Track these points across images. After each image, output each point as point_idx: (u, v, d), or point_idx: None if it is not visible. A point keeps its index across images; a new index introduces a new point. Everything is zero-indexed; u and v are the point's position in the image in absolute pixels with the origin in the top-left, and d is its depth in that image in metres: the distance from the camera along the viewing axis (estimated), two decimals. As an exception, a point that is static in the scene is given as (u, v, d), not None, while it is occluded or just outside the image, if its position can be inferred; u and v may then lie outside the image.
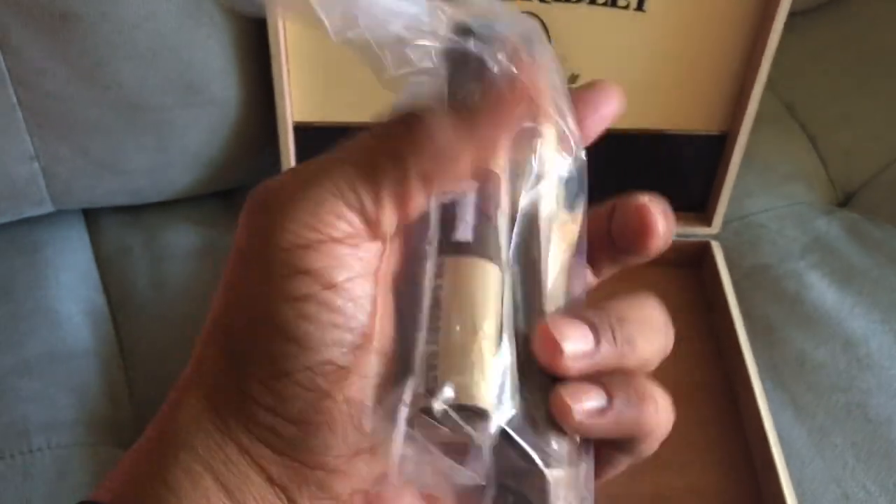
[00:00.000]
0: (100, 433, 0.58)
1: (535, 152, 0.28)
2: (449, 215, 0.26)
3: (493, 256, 0.27)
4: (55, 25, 0.54)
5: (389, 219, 0.25)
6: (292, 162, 0.62)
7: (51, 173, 0.63)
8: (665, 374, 0.65)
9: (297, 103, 0.61)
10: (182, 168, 0.66)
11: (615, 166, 0.65)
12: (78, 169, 0.63)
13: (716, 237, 0.67)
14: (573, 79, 0.60)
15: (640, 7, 0.57)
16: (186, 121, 0.62)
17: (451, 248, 0.26)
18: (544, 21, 0.58)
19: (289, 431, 0.24)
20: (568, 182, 0.30)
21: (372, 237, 0.25)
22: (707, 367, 0.62)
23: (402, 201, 0.24)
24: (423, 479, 0.25)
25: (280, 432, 0.24)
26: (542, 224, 0.29)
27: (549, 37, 0.58)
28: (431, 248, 0.26)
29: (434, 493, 0.26)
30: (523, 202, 0.28)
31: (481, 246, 0.26)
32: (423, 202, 0.25)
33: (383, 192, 0.24)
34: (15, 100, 0.58)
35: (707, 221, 0.67)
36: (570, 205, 0.30)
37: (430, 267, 0.26)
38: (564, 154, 0.30)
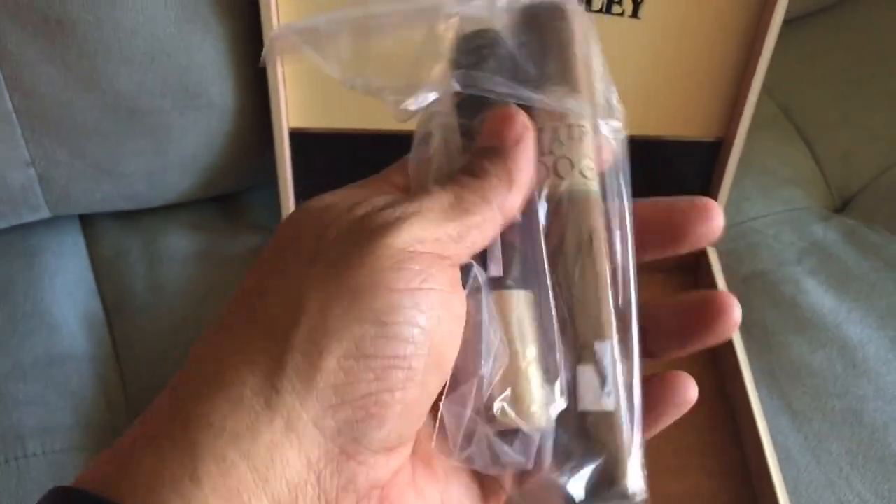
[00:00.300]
0: (95, 438, 0.58)
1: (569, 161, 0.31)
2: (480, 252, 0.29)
3: (523, 282, 0.29)
4: (51, 30, 0.54)
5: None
6: (288, 168, 0.62)
7: (47, 178, 0.63)
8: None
9: (292, 109, 0.61)
10: (178, 173, 0.66)
11: (611, 172, 0.66)
12: (74, 174, 0.63)
13: (712, 243, 0.67)
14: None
15: (635, 14, 0.57)
16: (183, 126, 0.62)
17: (489, 283, 0.29)
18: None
19: (345, 414, 0.25)
20: (608, 174, 0.32)
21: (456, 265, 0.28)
22: (703, 373, 0.62)
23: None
24: (478, 460, 0.28)
25: (337, 414, 0.25)
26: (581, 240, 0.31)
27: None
28: (473, 286, 0.29)
29: (485, 471, 0.29)
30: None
31: (510, 277, 0.29)
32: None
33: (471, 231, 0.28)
34: (11, 105, 0.58)
35: (703, 227, 0.67)
36: (615, 193, 0.32)
37: (475, 303, 0.28)
38: (603, 139, 0.32)
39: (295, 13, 0.56)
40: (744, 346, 0.60)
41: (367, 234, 0.26)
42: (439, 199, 0.27)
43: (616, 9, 0.57)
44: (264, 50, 0.30)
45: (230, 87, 0.61)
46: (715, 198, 0.65)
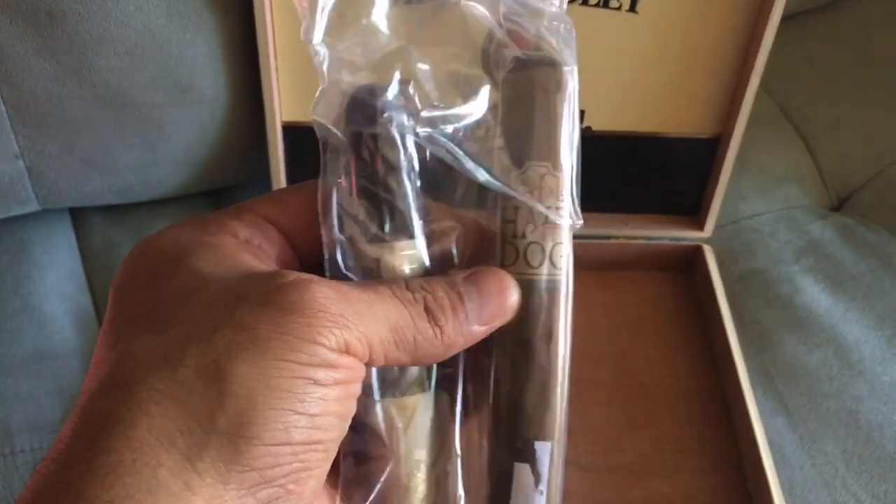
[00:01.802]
0: (84, 435, 0.58)
1: None
2: None
3: (417, 387, 0.30)
4: (41, 22, 0.54)
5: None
6: (281, 162, 0.62)
7: (37, 172, 0.62)
8: (656, 378, 0.65)
9: (285, 103, 0.60)
10: (170, 167, 0.65)
11: (607, 169, 0.65)
12: (64, 167, 0.62)
13: (708, 241, 0.67)
14: (565, 80, 0.60)
15: (632, 8, 0.56)
16: (174, 119, 0.61)
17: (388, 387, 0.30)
18: (536, 22, 0.57)
19: (266, 493, 0.25)
20: None
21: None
22: (698, 372, 0.62)
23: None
24: None
25: (258, 493, 0.25)
26: None
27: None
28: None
29: None
30: None
31: (403, 382, 0.30)
32: None
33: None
34: (0, 97, 0.57)
35: (700, 226, 0.67)
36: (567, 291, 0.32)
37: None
38: None
39: (288, 5, 0.55)
40: (739, 345, 0.60)
41: (307, 326, 0.26)
42: (389, 314, 0.28)
43: (613, 3, 0.56)
44: None
45: (222, 80, 0.61)
46: (711, 196, 0.65)
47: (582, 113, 0.62)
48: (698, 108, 0.62)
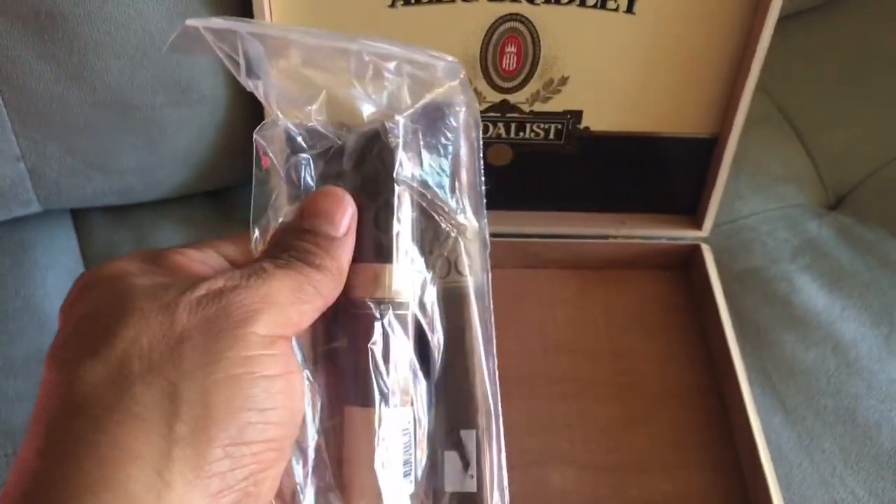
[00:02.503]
0: (86, 435, 0.58)
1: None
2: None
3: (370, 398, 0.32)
4: (42, 25, 0.54)
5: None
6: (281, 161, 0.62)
7: (38, 173, 0.62)
8: (654, 376, 0.65)
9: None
10: (170, 168, 0.65)
11: (605, 169, 0.65)
12: (65, 169, 0.63)
13: (706, 240, 0.67)
14: (563, 81, 0.60)
15: (629, 9, 0.57)
16: (175, 120, 0.61)
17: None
18: (534, 23, 0.57)
19: (229, 498, 0.26)
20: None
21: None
22: (696, 371, 0.62)
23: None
24: None
25: (222, 499, 0.26)
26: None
27: (538, 39, 0.58)
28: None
29: None
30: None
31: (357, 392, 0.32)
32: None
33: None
34: (1, 99, 0.57)
35: (697, 225, 0.67)
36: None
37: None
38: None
39: (286, 6, 0.56)
40: (737, 343, 0.60)
41: (231, 320, 0.27)
42: (283, 283, 0.29)
43: (611, 4, 0.56)
44: (174, 36, 0.31)
45: (222, 81, 0.61)
46: (709, 195, 0.65)
47: (580, 113, 0.62)
48: (696, 107, 0.62)
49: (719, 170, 0.63)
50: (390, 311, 0.32)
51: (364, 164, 0.33)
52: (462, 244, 0.34)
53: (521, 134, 0.63)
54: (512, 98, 0.61)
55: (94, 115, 0.59)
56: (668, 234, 0.67)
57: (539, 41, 0.58)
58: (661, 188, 0.67)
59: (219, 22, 0.31)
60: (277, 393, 0.27)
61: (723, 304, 0.62)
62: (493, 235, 0.69)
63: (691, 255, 0.67)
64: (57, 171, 0.62)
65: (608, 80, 0.60)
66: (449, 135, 0.34)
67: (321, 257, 0.31)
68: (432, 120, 0.34)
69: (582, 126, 0.63)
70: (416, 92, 0.33)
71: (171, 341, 0.26)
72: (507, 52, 0.59)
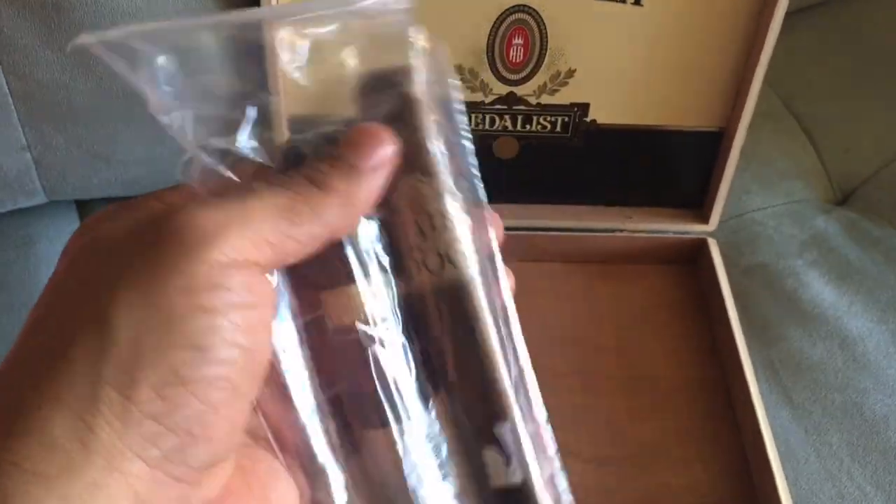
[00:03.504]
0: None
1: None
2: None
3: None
4: (48, 14, 0.54)
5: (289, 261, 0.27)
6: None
7: (44, 164, 0.62)
8: (661, 371, 0.65)
9: (290, 96, 0.60)
10: (176, 159, 0.65)
11: (611, 162, 0.65)
12: (71, 159, 0.62)
13: (713, 234, 0.67)
14: (570, 73, 0.60)
15: (637, 1, 0.56)
16: (181, 112, 0.61)
17: None
18: (541, 14, 0.57)
19: (170, 442, 0.24)
20: None
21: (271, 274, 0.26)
22: (703, 365, 0.62)
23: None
24: None
25: (159, 442, 0.24)
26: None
27: (546, 31, 0.58)
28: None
29: None
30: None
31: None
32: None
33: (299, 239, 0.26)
34: (7, 90, 0.57)
35: (704, 219, 0.67)
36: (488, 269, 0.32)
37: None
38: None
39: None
40: (744, 338, 0.60)
41: (179, 247, 0.24)
42: (267, 202, 0.25)
43: (619, -4, 0.56)
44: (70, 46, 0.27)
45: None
46: (716, 189, 0.65)
47: (587, 106, 0.62)
48: (703, 101, 0.62)
49: (726, 164, 0.63)
50: (376, 329, 0.29)
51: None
52: (451, 234, 0.30)
53: (528, 126, 0.63)
54: (518, 90, 0.61)
55: (100, 106, 0.59)
56: (674, 228, 0.67)
57: (546, 33, 0.58)
58: (668, 182, 0.67)
59: (114, 34, 0.26)
60: (225, 328, 0.24)
61: (729, 299, 0.62)
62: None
63: (698, 250, 0.67)
64: (63, 162, 0.62)
65: (615, 72, 0.60)
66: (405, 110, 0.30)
67: (331, 177, 0.27)
68: (378, 92, 0.30)
69: (588, 119, 0.63)
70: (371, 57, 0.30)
71: (115, 272, 0.24)
72: (514, 44, 0.58)
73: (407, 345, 0.30)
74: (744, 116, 0.61)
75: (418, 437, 0.30)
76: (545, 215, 0.67)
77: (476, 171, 0.31)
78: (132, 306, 0.24)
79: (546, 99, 0.61)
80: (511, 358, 0.31)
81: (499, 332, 0.31)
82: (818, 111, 0.82)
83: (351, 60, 0.30)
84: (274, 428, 0.29)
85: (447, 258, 0.30)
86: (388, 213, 0.30)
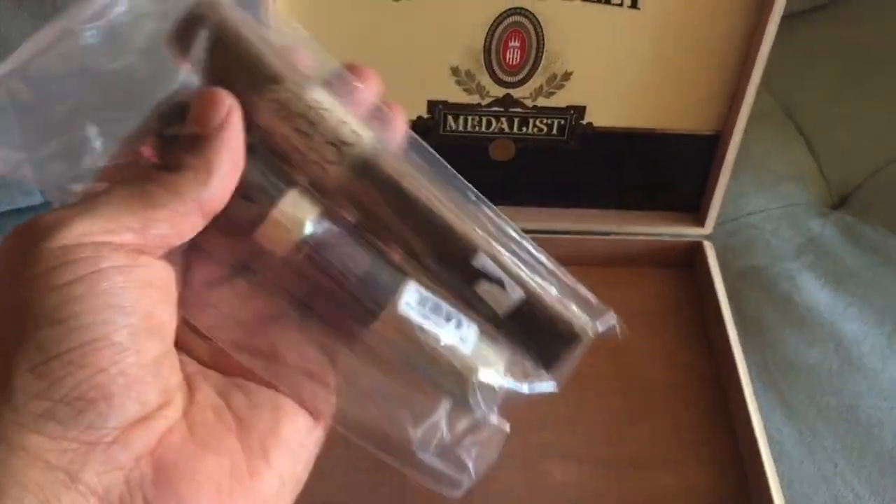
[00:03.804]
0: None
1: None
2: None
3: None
4: (47, 13, 0.54)
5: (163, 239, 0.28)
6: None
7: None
8: (656, 373, 0.65)
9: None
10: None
11: (607, 165, 0.65)
12: (68, 160, 0.62)
13: (709, 238, 0.67)
14: (566, 76, 0.60)
15: (634, 5, 0.57)
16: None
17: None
18: (538, 17, 0.57)
19: (63, 412, 0.25)
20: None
21: (143, 252, 0.27)
22: (698, 367, 0.62)
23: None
24: None
25: (54, 414, 0.25)
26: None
27: (542, 33, 0.58)
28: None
29: None
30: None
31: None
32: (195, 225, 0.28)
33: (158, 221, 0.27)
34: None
35: (700, 222, 0.67)
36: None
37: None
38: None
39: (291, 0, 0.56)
40: (739, 341, 0.60)
41: (27, 240, 0.25)
42: (116, 195, 0.27)
43: (615, -1, 0.56)
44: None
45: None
46: (712, 192, 0.65)
47: (583, 109, 0.62)
48: (699, 104, 0.62)
49: (722, 167, 0.63)
50: (312, 237, 0.29)
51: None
52: (331, 119, 0.29)
53: (524, 129, 0.63)
54: (515, 93, 0.61)
55: (98, 105, 0.59)
56: (670, 231, 0.67)
57: (543, 36, 0.58)
58: (664, 185, 0.67)
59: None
60: (80, 297, 0.25)
61: (725, 302, 0.62)
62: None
63: (694, 253, 0.67)
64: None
65: (612, 75, 0.60)
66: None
67: (179, 155, 0.27)
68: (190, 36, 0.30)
69: (585, 122, 0.63)
70: None
71: None
72: (510, 47, 0.59)
73: (354, 237, 0.30)
74: (740, 120, 0.61)
75: (414, 306, 0.30)
76: (541, 218, 0.67)
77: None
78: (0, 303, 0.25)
79: (542, 102, 0.62)
80: (455, 196, 0.31)
81: (435, 178, 0.31)
82: (815, 114, 0.82)
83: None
84: (270, 357, 0.30)
85: (340, 143, 0.30)
86: (265, 137, 0.30)
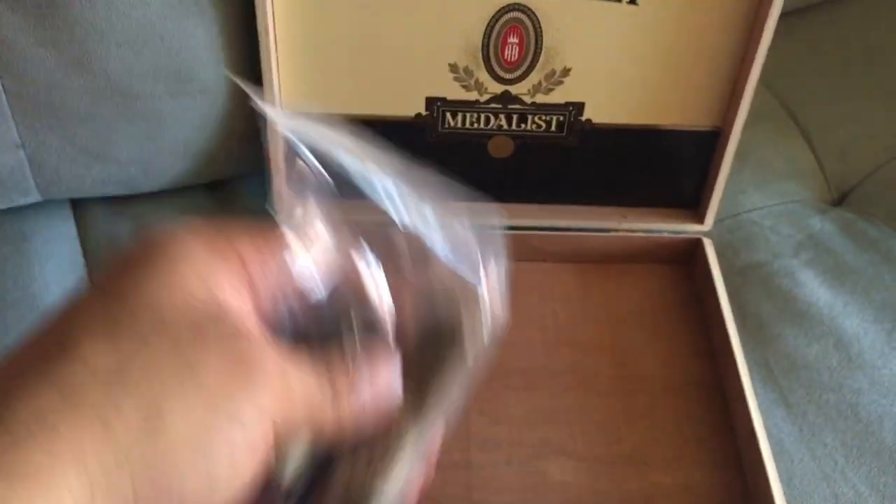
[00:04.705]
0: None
1: None
2: None
3: None
4: (42, 12, 0.54)
5: None
6: (281, 154, 0.62)
7: (38, 162, 0.62)
8: (655, 370, 0.65)
9: (286, 93, 0.60)
10: (171, 158, 0.65)
11: (606, 162, 0.65)
12: (65, 158, 0.62)
13: (708, 234, 0.67)
14: (565, 72, 0.60)
15: (632, 0, 0.56)
16: (175, 110, 0.61)
17: None
18: (536, 13, 0.57)
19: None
20: None
21: None
22: (698, 365, 0.62)
23: None
24: None
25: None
26: None
27: (541, 29, 0.58)
28: None
29: None
30: None
31: None
32: None
33: None
34: (1, 87, 0.57)
35: (699, 218, 0.67)
36: None
37: None
38: None
39: (289, -3, 0.55)
40: (739, 338, 0.60)
41: (247, 380, 0.26)
42: (304, 387, 0.29)
43: (614, -6, 0.56)
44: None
45: (223, 71, 0.61)
46: (711, 189, 0.65)
47: (582, 105, 0.62)
48: (698, 100, 0.62)
49: (722, 163, 0.63)
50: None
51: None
52: (388, 476, 0.32)
53: (523, 126, 0.63)
54: (513, 89, 0.61)
55: (94, 104, 0.59)
56: (669, 227, 0.67)
57: (541, 32, 0.58)
58: (664, 181, 0.67)
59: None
60: (239, 468, 0.26)
61: (724, 299, 0.62)
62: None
63: (693, 249, 0.67)
64: (56, 160, 0.62)
65: (610, 71, 0.60)
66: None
67: (344, 390, 0.30)
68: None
69: (584, 118, 0.62)
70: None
71: (179, 368, 0.26)
72: (509, 43, 0.58)
73: None
74: (739, 116, 0.61)
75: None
76: (540, 215, 0.66)
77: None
78: (183, 402, 0.25)
79: (541, 98, 0.61)
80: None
81: None
82: (815, 111, 0.81)
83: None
84: None
85: (373, 492, 0.31)
86: None
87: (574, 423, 0.58)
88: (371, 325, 0.32)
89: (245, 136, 0.66)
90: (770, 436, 0.55)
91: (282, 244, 0.30)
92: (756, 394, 0.57)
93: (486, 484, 0.55)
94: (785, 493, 0.52)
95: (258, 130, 0.62)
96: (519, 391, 0.59)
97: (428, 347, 0.33)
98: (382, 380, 0.31)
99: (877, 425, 0.59)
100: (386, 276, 0.32)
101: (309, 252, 0.31)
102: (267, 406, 0.27)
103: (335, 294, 0.32)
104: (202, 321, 0.27)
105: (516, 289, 0.65)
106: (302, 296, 0.31)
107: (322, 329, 0.32)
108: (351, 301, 0.32)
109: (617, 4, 0.57)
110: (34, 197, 0.66)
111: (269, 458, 0.28)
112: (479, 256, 0.33)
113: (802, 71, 0.84)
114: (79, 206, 0.70)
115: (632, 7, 0.57)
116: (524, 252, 0.66)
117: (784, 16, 0.56)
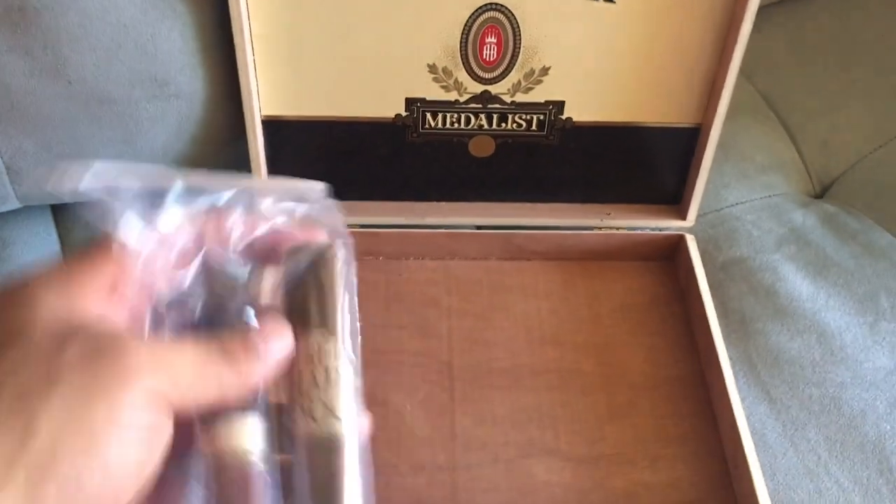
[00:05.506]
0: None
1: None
2: None
3: None
4: (14, 18, 0.53)
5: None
6: (262, 157, 0.62)
7: (15, 169, 0.62)
8: (638, 367, 0.65)
9: (265, 97, 0.60)
10: (148, 162, 0.65)
11: (588, 160, 0.65)
12: (42, 164, 0.62)
13: (690, 230, 0.67)
14: (544, 71, 0.60)
15: (610, -2, 0.56)
16: (152, 115, 0.61)
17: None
18: (514, 12, 0.57)
19: None
20: None
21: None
22: (681, 361, 0.62)
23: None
24: None
25: None
26: None
27: (518, 29, 0.58)
28: None
29: None
30: None
31: None
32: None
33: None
34: (-25, 94, 0.57)
35: (682, 215, 0.67)
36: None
37: None
38: None
39: (265, -1, 0.55)
40: (721, 333, 0.60)
41: (115, 369, 0.28)
42: (188, 356, 0.31)
43: (590, -7, 0.56)
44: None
45: (199, 75, 0.60)
46: (693, 185, 0.65)
47: (562, 104, 0.62)
48: (678, 97, 0.62)
49: (703, 159, 0.63)
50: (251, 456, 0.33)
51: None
52: (341, 389, 0.34)
53: (503, 125, 0.63)
54: (493, 89, 0.61)
55: (69, 110, 0.59)
56: (652, 224, 0.67)
57: (519, 31, 0.58)
58: (645, 178, 0.67)
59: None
60: (132, 452, 0.28)
61: (707, 294, 0.62)
62: (476, 227, 0.68)
63: (676, 246, 0.67)
64: (34, 167, 0.62)
65: (590, 70, 0.60)
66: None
67: (238, 355, 0.32)
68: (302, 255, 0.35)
69: (564, 117, 0.62)
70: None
71: (53, 371, 0.27)
72: (486, 43, 0.58)
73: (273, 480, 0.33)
74: (719, 112, 0.61)
75: None
76: (522, 214, 0.66)
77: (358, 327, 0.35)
78: (61, 410, 0.27)
79: (521, 97, 0.61)
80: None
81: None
82: (796, 104, 0.82)
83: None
84: None
85: (332, 411, 0.33)
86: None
87: (559, 421, 0.58)
88: (243, 288, 0.34)
89: (224, 139, 0.66)
90: (753, 431, 0.55)
91: (132, 252, 0.33)
92: (739, 389, 0.57)
93: (472, 484, 0.55)
94: (768, 488, 0.52)
95: (236, 133, 0.62)
96: (503, 390, 0.59)
97: (300, 284, 0.35)
98: (269, 327, 0.33)
99: (859, 419, 0.59)
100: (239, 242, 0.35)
101: (161, 250, 0.33)
102: (150, 386, 0.28)
103: (205, 279, 0.34)
104: (65, 332, 0.29)
105: (499, 287, 0.65)
106: (174, 287, 0.33)
107: (211, 314, 0.34)
108: (217, 276, 0.34)
109: (594, 3, 0.56)
110: (13, 204, 0.65)
111: (172, 434, 0.30)
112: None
113: (783, 64, 0.84)
114: (59, 211, 0.70)
115: (609, 5, 0.57)
116: (507, 251, 0.66)
117: (764, 8, 0.56)
